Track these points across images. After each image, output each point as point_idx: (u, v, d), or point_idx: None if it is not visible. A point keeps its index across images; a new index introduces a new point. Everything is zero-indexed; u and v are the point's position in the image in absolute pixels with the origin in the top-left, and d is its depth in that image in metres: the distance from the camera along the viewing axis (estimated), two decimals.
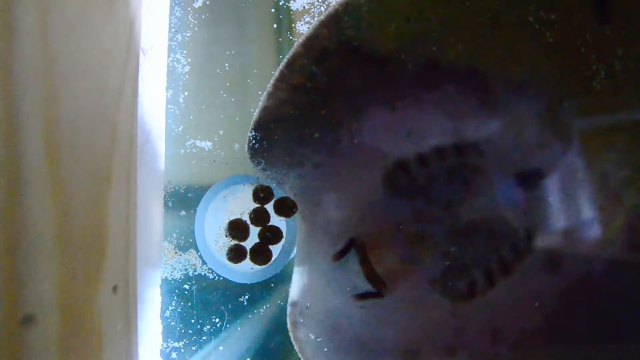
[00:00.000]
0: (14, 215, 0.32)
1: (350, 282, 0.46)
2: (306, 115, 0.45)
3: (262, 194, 0.50)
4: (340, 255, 0.46)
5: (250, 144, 0.46)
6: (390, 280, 0.45)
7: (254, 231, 0.51)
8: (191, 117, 0.53)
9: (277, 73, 0.44)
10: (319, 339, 0.47)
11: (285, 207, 0.49)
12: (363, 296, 0.46)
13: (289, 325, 0.48)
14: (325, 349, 0.47)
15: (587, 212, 0.44)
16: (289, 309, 0.48)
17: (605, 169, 0.44)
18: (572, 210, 0.45)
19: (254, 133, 0.46)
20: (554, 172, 0.45)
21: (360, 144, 0.46)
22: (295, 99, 0.45)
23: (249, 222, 0.50)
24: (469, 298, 0.45)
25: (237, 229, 0.50)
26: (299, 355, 0.47)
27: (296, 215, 0.49)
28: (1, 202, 0.32)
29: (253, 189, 0.49)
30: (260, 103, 0.45)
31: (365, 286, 0.45)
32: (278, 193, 0.49)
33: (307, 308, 0.48)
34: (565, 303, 0.44)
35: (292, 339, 0.48)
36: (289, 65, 0.44)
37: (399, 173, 0.46)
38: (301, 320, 0.48)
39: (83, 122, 0.37)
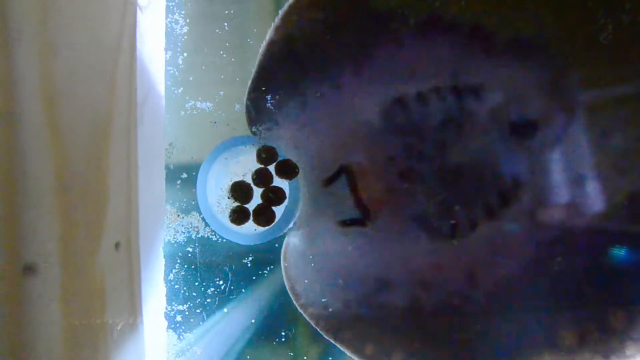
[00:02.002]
0: (12, 167, 0.32)
1: (336, 208, 0.47)
2: (312, 48, 0.46)
3: (264, 155, 0.49)
4: (330, 181, 0.47)
5: (256, 75, 0.46)
6: (375, 210, 0.46)
7: (257, 193, 0.50)
8: (191, 79, 0.52)
9: (285, 6, 0.44)
10: (303, 263, 0.48)
11: (288, 169, 0.49)
12: (347, 223, 0.47)
13: (283, 247, 0.49)
14: (305, 272, 0.48)
15: (578, 168, 0.45)
16: (288, 232, 0.50)
17: (606, 129, 0.44)
18: (562, 165, 0.45)
19: (260, 61, 0.46)
20: (550, 127, 0.45)
21: (363, 76, 0.46)
22: (303, 32, 0.45)
23: (251, 183, 0.50)
24: (450, 238, 0.46)
25: (240, 190, 0.50)
26: (284, 277, 0.49)
27: (298, 177, 0.49)
28: (0, 153, 0.31)
29: (256, 149, 0.49)
30: (266, 36, 0.45)
31: (350, 213, 0.46)
32: (281, 155, 0.49)
33: (300, 233, 0.49)
34: (544, 256, 0.45)
35: (281, 259, 0.49)
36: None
37: (397, 108, 0.46)
38: (293, 242, 0.50)
39: (81, 75, 0.37)
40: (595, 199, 0.45)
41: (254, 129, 0.48)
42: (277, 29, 0.45)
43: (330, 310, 0.47)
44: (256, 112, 0.48)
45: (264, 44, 0.46)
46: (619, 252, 0.44)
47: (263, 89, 0.47)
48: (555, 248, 0.45)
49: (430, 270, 0.46)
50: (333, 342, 0.47)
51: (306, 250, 0.49)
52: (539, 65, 0.45)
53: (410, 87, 0.46)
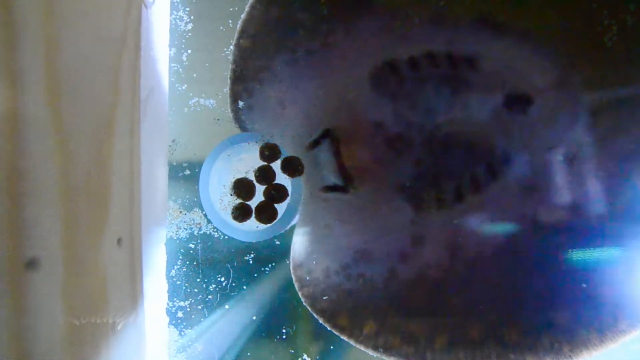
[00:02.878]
0: (15, 162, 0.32)
1: (318, 173, 0.46)
2: (304, 3, 0.45)
3: (267, 152, 0.49)
4: (314, 145, 0.45)
5: (244, 21, 0.46)
6: (358, 177, 0.45)
7: (259, 190, 0.50)
8: (195, 76, 0.52)
9: None
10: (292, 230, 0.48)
11: (292, 166, 0.49)
12: (329, 188, 0.46)
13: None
14: (296, 236, 0.48)
15: (569, 147, 0.44)
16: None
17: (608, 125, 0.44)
18: (555, 145, 0.44)
19: (250, 9, 0.46)
20: (544, 103, 0.44)
21: (355, 38, 0.45)
22: None
23: (254, 181, 0.50)
24: (434, 209, 0.45)
25: (242, 187, 0.50)
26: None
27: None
28: (3, 147, 0.31)
29: (259, 146, 0.49)
30: None
31: (333, 179, 0.45)
32: (285, 152, 0.49)
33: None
34: (528, 234, 0.44)
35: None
36: None
37: (388, 72, 0.45)
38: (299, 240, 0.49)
39: (84, 71, 0.37)
40: (586, 188, 0.44)
41: (242, 88, 0.47)
42: None
43: (308, 278, 0.46)
44: (242, 68, 0.47)
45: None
46: (603, 242, 0.44)
47: (250, 40, 0.46)
48: (541, 229, 0.44)
49: (411, 241, 0.45)
50: (310, 310, 0.46)
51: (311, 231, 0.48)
52: (538, 48, 0.44)
53: (404, 52, 0.45)
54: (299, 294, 0.46)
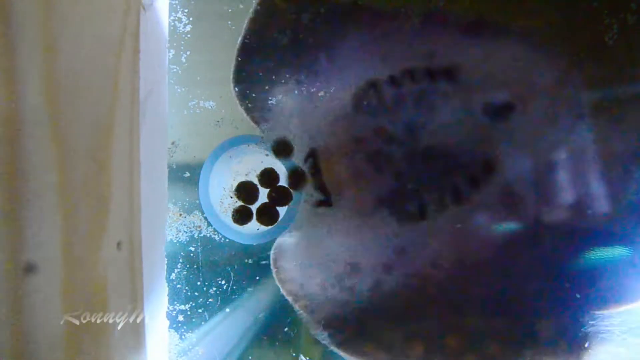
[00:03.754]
0: (15, 165, 0.32)
1: (308, 190, 0.48)
2: (288, 37, 0.46)
3: (280, 148, 0.49)
4: (303, 163, 0.48)
5: (236, 68, 0.48)
6: (338, 192, 0.47)
7: (261, 192, 0.50)
8: (194, 77, 0.52)
9: None
10: (288, 244, 0.49)
11: (302, 180, 0.49)
12: (315, 203, 0.48)
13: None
14: (286, 254, 0.49)
15: (554, 155, 0.44)
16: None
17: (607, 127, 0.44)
18: (535, 148, 0.44)
19: (239, 57, 0.47)
20: (526, 109, 0.44)
21: (337, 63, 0.47)
22: (277, 22, 0.46)
23: (258, 184, 0.50)
24: (416, 221, 0.46)
25: (245, 190, 0.50)
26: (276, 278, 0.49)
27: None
28: (2, 150, 0.31)
29: (271, 146, 0.49)
30: (244, 26, 0.47)
31: (315, 194, 0.48)
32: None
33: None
34: (508, 244, 0.45)
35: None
36: None
37: (370, 92, 0.46)
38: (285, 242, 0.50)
39: (83, 73, 0.37)
40: (571, 190, 0.44)
41: (243, 107, 0.49)
42: (252, 19, 0.46)
43: (306, 290, 0.48)
44: (243, 96, 0.48)
45: (241, 34, 0.47)
46: (589, 246, 0.44)
47: (244, 75, 0.48)
48: (522, 238, 0.44)
49: (394, 252, 0.46)
50: (309, 321, 0.47)
51: (290, 232, 0.49)
52: (521, 50, 0.44)
53: (384, 71, 0.46)
54: (295, 306, 0.48)
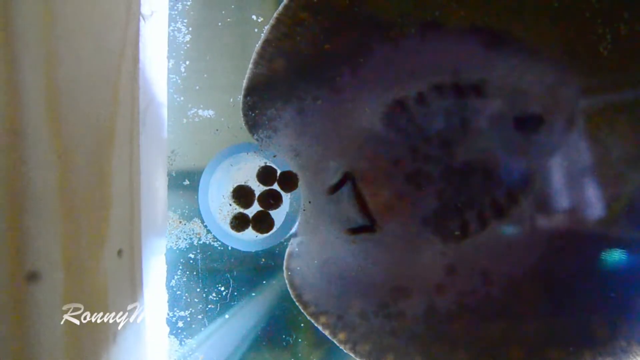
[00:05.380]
0: (16, 175, 0.32)
1: (343, 216, 0.46)
2: (308, 50, 0.45)
3: (264, 173, 0.49)
4: (335, 188, 0.46)
5: (250, 77, 0.46)
6: (383, 216, 0.45)
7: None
8: (193, 86, 0.53)
9: (280, 8, 0.44)
10: (308, 271, 0.48)
11: (291, 182, 0.49)
12: (355, 230, 0.46)
13: (285, 255, 0.49)
14: (312, 281, 0.48)
15: (585, 164, 0.44)
16: (291, 240, 0.49)
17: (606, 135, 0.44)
18: (571, 161, 0.45)
19: (254, 66, 0.46)
20: (555, 120, 0.45)
21: (362, 79, 0.46)
22: (298, 32, 0.45)
23: (254, 190, 0.50)
24: (461, 238, 0.45)
25: (242, 194, 0.50)
26: (287, 286, 0.48)
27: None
28: (3, 160, 0.32)
29: (258, 170, 0.49)
30: (262, 36, 0.45)
31: (358, 220, 0.45)
32: (284, 166, 0.49)
33: (303, 240, 0.48)
34: (555, 252, 0.44)
35: (284, 268, 0.48)
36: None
37: (398, 110, 0.45)
38: (297, 250, 0.49)
39: (84, 83, 0.37)
40: (596, 201, 0.44)
41: (255, 137, 0.48)
42: (272, 29, 0.45)
43: (346, 321, 0.46)
44: (253, 120, 0.47)
45: (257, 46, 0.45)
46: (621, 257, 0.44)
47: (257, 95, 0.47)
48: (567, 245, 0.44)
49: (444, 272, 0.45)
50: (352, 354, 0.46)
51: (311, 259, 0.48)
52: (540, 63, 0.44)
53: (411, 88, 0.45)
54: (334, 339, 0.47)
